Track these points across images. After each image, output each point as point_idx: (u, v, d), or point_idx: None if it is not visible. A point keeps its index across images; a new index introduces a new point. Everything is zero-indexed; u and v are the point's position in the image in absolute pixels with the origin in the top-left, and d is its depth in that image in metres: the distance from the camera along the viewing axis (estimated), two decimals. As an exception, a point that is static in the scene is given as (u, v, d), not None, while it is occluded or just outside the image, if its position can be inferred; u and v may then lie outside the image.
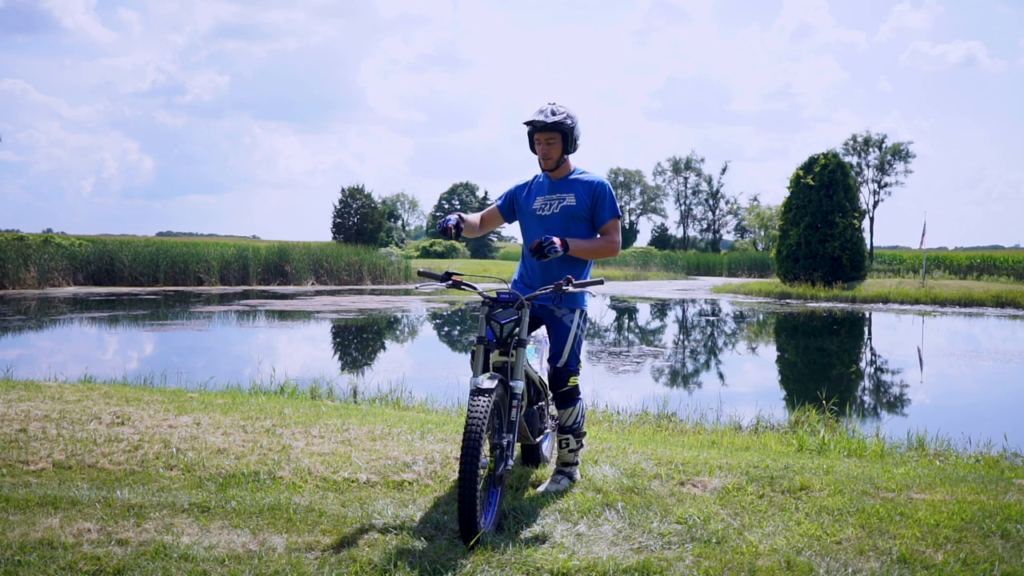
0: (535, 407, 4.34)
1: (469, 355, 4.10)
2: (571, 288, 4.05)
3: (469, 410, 3.59)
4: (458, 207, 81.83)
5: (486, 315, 4.03)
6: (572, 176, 4.41)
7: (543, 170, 4.42)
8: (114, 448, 5.00)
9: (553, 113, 4.23)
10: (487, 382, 3.70)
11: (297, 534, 3.63)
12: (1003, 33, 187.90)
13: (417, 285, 4.37)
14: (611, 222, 4.39)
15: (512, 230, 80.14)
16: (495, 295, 4.09)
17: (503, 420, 3.88)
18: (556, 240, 4.07)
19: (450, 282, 4.08)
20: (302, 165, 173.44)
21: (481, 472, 3.51)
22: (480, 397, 3.63)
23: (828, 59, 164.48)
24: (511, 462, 3.90)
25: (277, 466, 4.68)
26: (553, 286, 4.05)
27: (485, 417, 3.56)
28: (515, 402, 3.89)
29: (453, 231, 4.14)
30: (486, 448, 3.67)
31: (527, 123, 4.27)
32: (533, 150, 4.38)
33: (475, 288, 4.13)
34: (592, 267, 4.55)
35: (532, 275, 4.45)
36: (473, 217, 4.44)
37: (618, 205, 4.44)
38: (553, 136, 4.26)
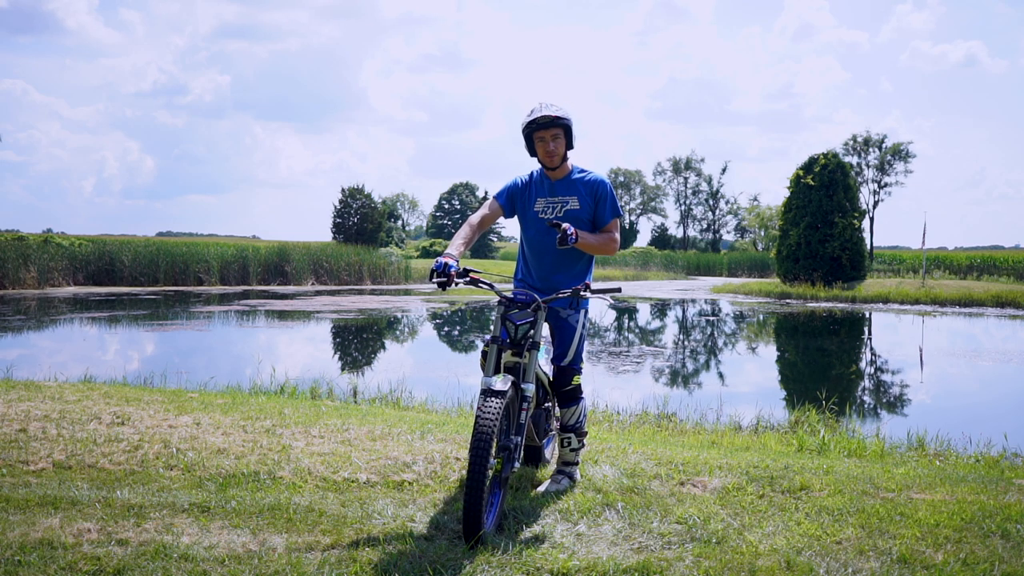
0: (542, 408, 4.34)
1: (480, 354, 4.07)
2: (588, 293, 4.03)
3: (480, 411, 3.56)
4: (458, 207, 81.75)
5: (501, 315, 4.00)
6: (573, 176, 4.36)
7: (546, 168, 4.33)
8: (114, 448, 5.00)
9: (554, 108, 4.20)
10: (500, 384, 3.66)
11: (297, 534, 3.63)
12: (1004, 33, 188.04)
13: (434, 280, 4.33)
14: (612, 221, 4.37)
15: (512, 230, 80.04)
16: (511, 295, 4.07)
17: (512, 422, 3.86)
18: (574, 232, 4.02)
19: (467, 279, 3.98)
20: (303, 165, 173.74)
21: (488, 473, 3.50)
22: (492, 398, 3.60)
23: (829, 59, 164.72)
24: (518, 464, 3.89)
25: (277, 466, 4.68)
26: (571, 291, 4.04)
27: (496, 419, 3.53)
28: (525, 404, 3.87)
29: (456, 279, 3.89)
30: (493, 449, 3.65)
31: (530, 123, 4.17)
32: (532, 153, 4.31)
33: (492, 287, 4.10)
34: (593, 265, 4.53)
35: (534, 275, 4.43)
36: (468, 237, 4.15)
37: (619, 204, 4.42)
38: (557, 131, 4.21)
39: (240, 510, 3.92)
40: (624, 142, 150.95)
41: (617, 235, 4.39)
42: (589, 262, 4.46)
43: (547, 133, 4.20)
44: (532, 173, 4.46)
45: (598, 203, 4.34)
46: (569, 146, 4.29)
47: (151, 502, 4.01)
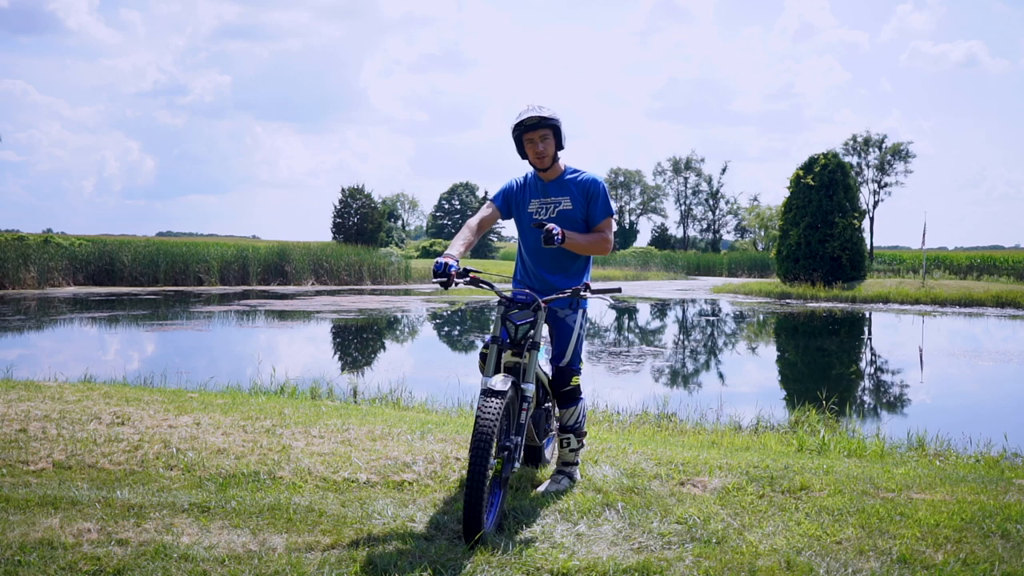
0: (542, 408, 4.34)
1: (479, 356, 4.08)
2: (588, 294, 4.03)
3: (480, 411, 3.56)
4: (458, 207, 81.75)
5: (501, 315, 4.00)
6: (566, 177, 4.36)
7: (537, 169, 4.34)
8: (114, 448, 5.00)
9: (541, 109, 4.20)
10: (500, 384, 3.66)
11: (297, 534, 3.63)
12: (1004, 33, 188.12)
13: (434, 280, 4.38)
14: (605, 220, 4.35)
15: (512, 230, 79.96)
16: (511, 295, 4.07)
17: (512, 422, 3.86)
18: (559, 232, 4.03)
19: (467, 279, 3.97)
20: (303, 165, 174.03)
21: (488, 473, 3.50)
22: (492, 398, 3.59)
23: (830, 59, 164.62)
24: (518, 464, 3.89)
25: (277, 466, 4.68)
26: (571, 291, 4.05)
27: (496, 419, 3.53)
28: (525, 404, 3.87)
29: (456, 278, 3.88)
30: (494, 449, 3.64)
31: (518, 124, 4.17)
32: (522, 155, 4.31)
33: (492, 287, 4.10)
34: (591, 265, 4.53)
35: (531, 276, 4.44)
36: (468, 240, 4.15)
37: (612, 203, 4.41)
38: (546, 132, 4.20)
39: (240, 510, 3.92)
40: (624, 142, 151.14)
41: (610, 234, 4.36)
42: (586, 262, 4.46)
43: (535, 134, 4.20)
44: (527, 175, 4.47)
45: (590, 202, 4.33)
46: (559, 146, 4.28)
47: (151, 502, 4.01)
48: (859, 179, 51.95)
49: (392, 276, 36.55)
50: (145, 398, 6.84)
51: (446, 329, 20.17)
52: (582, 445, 4.46)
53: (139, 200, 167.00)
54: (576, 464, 4.47)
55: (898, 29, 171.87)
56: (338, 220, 50.51)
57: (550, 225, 4.04)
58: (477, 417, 3.54)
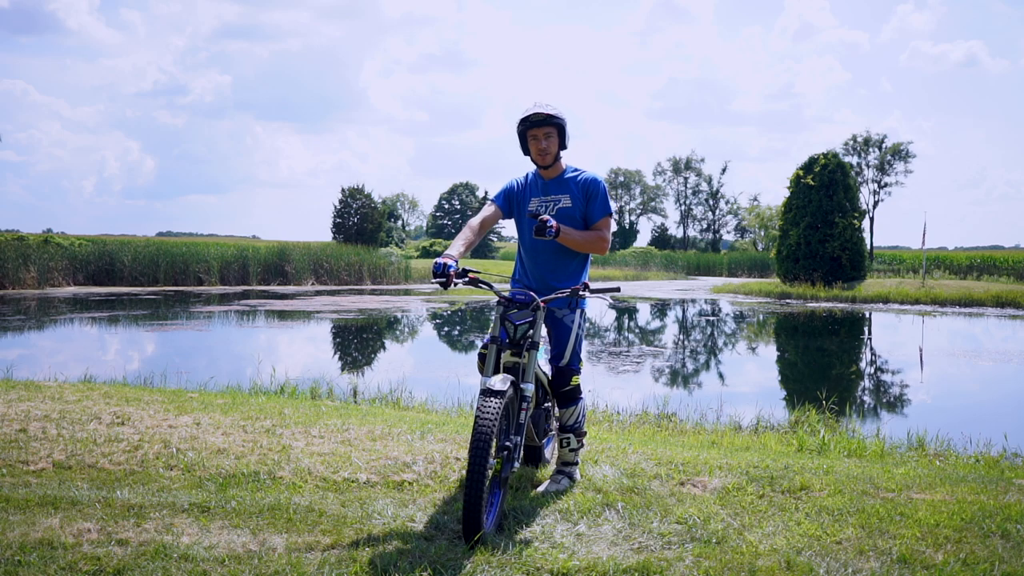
0: (541, 408, 4.34)
1: (478, 356, 4.08)
2: (587, 293, 4.04)
3: (479, 411, 3.56)
4: (458, 207, 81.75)
5: (500, 315, 4.01)
6: (566, 176, 4.38)
7: (539, 166, 4.36)
8: (114, 448, 5.00)
9: (547, 107, 4.21)
10: (499, 384, 3.66)
11: (297, 534, 3.63)
12: (1004, 33, 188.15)
13: (433, 280, 4.42)
14: (603, 219, 4.36)
15: (512, 230, 79.88)
16: (510, 295, 4.07)
17: (511, 422, 3.86)
18: (554, 224, 4.05)
19: (466, 279, 3.97)
20: (304, 165, 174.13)
21: (488, 473, 3.50)
22: (491, 398, 3.60)
23: (830, 59, 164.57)
24: (517, 464, 3.89)
25: (277, 466, 4.68)
26: (570, 290, 4.06)
27: (496, 419, 3.53)
28: (524, 404, 3.87)
29: (455, 279, 3.88)
30: (493, 449, 3.65)
31: (523, 120, 4.19)
32: (525, 151, 4.33)
33: (491, 287, 4.11)
34: (589, 266, 4.53)
35: (530, 275, 4.44)
36: (469, 240, 4.14)
37: (611, 203, 4.41)
38: (550, 130, 4.22)
39: (240, 510, 3.92)
40: (624, 142, 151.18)
41: (607, 233, 4.37)
42: (584, 261, 4.46)
43: (540, 131, 4.22)
44: (528, 175, 4.49)
45: (589, 200, 4.34)
46: (562, 146, 4.30)
47: (151, 502, 4.01)
48: (859, 179, 51.95)
49: (392, 276, 36.55)
50: (145, 398, 6.84)
51: (446, 329, 20.17)
52: (582, 445, 4.46)
53: (139, 200, 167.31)
54: (576, 464, 4.47)
55: (898, 29, 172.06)
56: (338, 220, 50.50)
57: (544, 216, 4.05)
58: (476, 417, 3.55)
